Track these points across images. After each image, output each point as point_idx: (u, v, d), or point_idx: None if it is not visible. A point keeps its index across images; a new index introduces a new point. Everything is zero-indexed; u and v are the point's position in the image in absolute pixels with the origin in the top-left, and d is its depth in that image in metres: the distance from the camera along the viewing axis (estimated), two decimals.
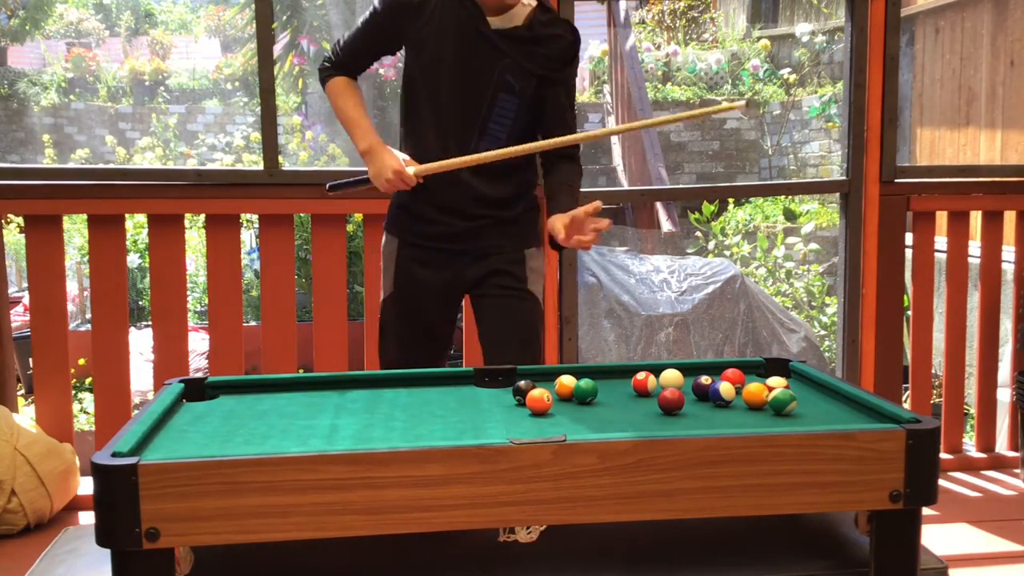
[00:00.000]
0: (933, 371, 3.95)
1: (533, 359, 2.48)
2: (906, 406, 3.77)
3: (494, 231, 2.49)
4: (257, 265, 4.71)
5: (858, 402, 1.86)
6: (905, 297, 3.96)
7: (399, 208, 2.55)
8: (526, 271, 2.52)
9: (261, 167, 3.24)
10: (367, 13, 2.46)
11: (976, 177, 3.82)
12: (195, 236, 6.10)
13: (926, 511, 1.67)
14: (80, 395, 5.05)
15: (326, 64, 2.54)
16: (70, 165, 9.00)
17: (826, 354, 5.53)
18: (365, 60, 2.55)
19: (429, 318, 2.55)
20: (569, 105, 2.49)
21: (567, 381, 2.01)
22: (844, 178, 3.57)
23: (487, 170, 2.39)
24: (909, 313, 3.88)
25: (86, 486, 3.23)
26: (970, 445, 3.74)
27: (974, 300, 3.75)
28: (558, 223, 2.31)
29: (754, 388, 1.86)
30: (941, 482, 3.37)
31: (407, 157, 2.40)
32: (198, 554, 1.63)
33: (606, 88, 9.74)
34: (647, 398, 2.03)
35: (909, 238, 3.59)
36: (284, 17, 9.94)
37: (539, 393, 1.89)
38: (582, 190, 3.35)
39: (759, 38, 10.49)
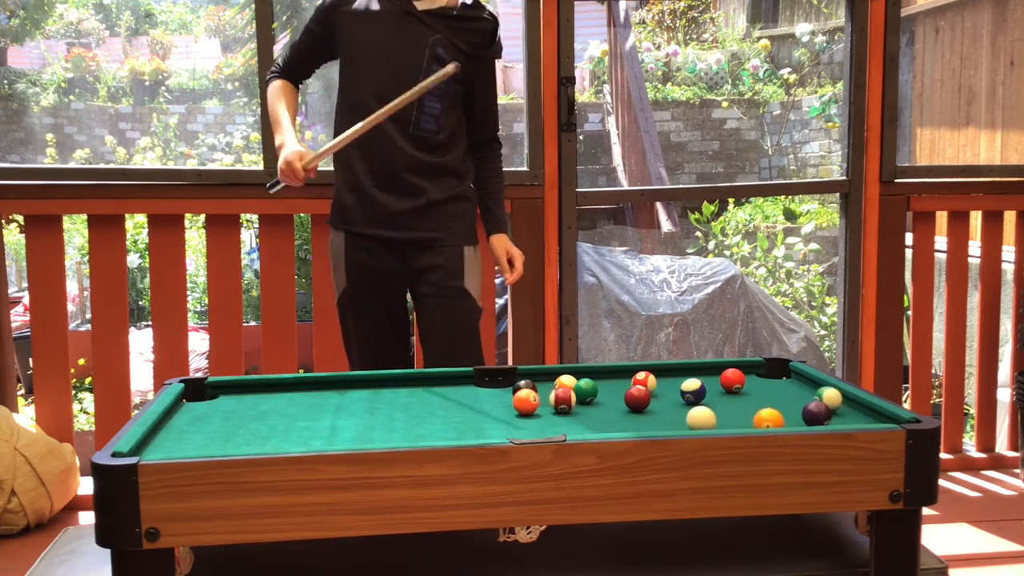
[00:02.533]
0: (933, 371, 3.95)
1: (471, 357, 2.61)
2: (906, 406, 3.77)
3: (433, 218, 2.61)
4: (257, 265, 4.71)
5: (858, 402, 1.86)
6: (905, 297, 3.95)
7: (338, 199, 2.66)
8: (464, 269, 2.66)
9: (261, 167, 3.23)
10: (308, 24, 2.67)
11: (976, 177, 3.82)
12: (195, 236, 6.09)
13: (926, 511, 1.67)
14: (80, 395, 5.05)
15: (271, 70, 2.75)
16: (70, 165, 9.01)
17: (826, 354, 5.53)
18: (304, 64, 2.73)
19: (388, 306, 2.67)
20: (493, 89, 2.72)
21: (567, 381, 2.01)
22: (844, 178, 3.57)
23: (420, 143, 2.57)
24: (909, 313, 3.88)
25: (86, 486, 3.23)
26: (970, 445, 3.74)
27: (974, 300, 3.75)
28: (502, 254, 2.69)
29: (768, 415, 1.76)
30: (941, 482, 3.37)
31: (302, 150, 2.52)
32: (198, 554, 1.63)
33: (606, 88, 9.74)
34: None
35: (909, 238, 3.59)
36: (284, 17, 9.93)
37: (525, 394, 1.88)
38: (581, 190, 3.37)
39: (759, 38, 10.49)
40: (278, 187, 2.59)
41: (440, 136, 2.60)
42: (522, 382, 1.95)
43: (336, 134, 2.59)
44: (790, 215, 7.42)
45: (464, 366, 2.34)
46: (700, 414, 1.75)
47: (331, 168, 2.80)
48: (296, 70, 2.73)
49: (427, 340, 2.66)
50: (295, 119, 2.68)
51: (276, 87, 2.70)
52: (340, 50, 2.63)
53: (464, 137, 2.69)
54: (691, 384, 1.97)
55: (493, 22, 2.66)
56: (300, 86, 2.78)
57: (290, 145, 2.53)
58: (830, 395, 1.92)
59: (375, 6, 2.58)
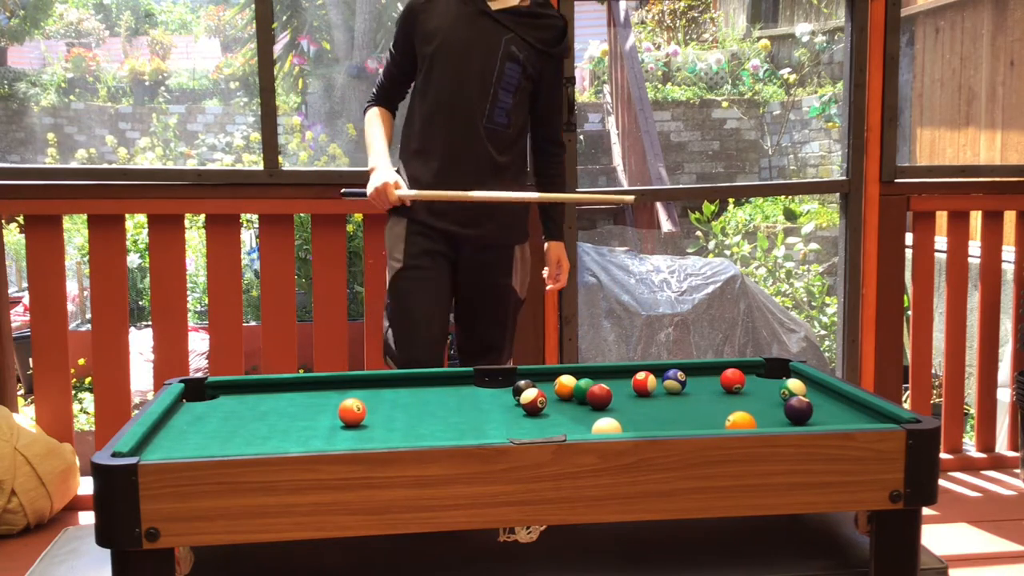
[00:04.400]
0: (933, 371, 3.95)
1: (508, 350, 2.78)
2: (906, 406, 3.77)
3: (495, 217, 2.69)
4: (257, 265, 4.71)
5: (858, 402, 1.86)
6: (905, 297, 3.95)
7: (418, 187, 2.68)
8: (512, 268, 2.76)
9: (261, 167, 3.24)
10: (392, 43, 2.77)
11: (976, 177, 3.82)
12: (195, 236, 6.09)
13: (926, 511, 1.67)
14: (80, 395, 5.05)
15: (367, 102, 2.84)
16: (70, 165, 9.00)
17: (826, 354, 5.53)
18: (395, 84, 2.80)
19: (440, 287, 2.70)
20: (559, 89, 2.81)
21: (567, 381, 2.01)
22: (844, 178, 3.57)
23: (491, 136, 2.65)
24: (909, 313, 3.88)
25: (86, 486, 3.23)
26: (970, 445, 3.74)
27: (974, 300, 3.75)
28: (554, 263, 2.81)
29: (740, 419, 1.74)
30: (941, 482, 3.37)
31: (399, 179, 2.64)
32: (198, 554, 1.63)
33: (606, 88, 9.73)
34: (647, 398, 2.03)
35: (909, 238, 3.59)
36: (284, 17, 9.93)
37: (351, 403, 1.84)
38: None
39: (759, 38, 10.48)
40: (354, 197, 2.70)
41: (510, 131, 2.68)
42: (522, 382, 1.95)
43: (410, 138, 2.71)
44: (790, 215, 7.42)
45: (499, 361, 2.46)
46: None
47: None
48: (389, 92, 2.82)
49: (468, 331, 2.78)
50: (390, 142, 2.78)
51: (372, 113, 2.80)
52: (419, 53, 2.68)
53: (526, 137, 2.78)
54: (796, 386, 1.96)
55: (562, 20, 2.76)
56: (395, 109, 2.86)
57: (384, 169, 2.65)
58: (796, 386, 1.93)
59: (451, 7, 2.65)
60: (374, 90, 2.83)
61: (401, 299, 2.68)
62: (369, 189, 2.63)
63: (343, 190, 2.76)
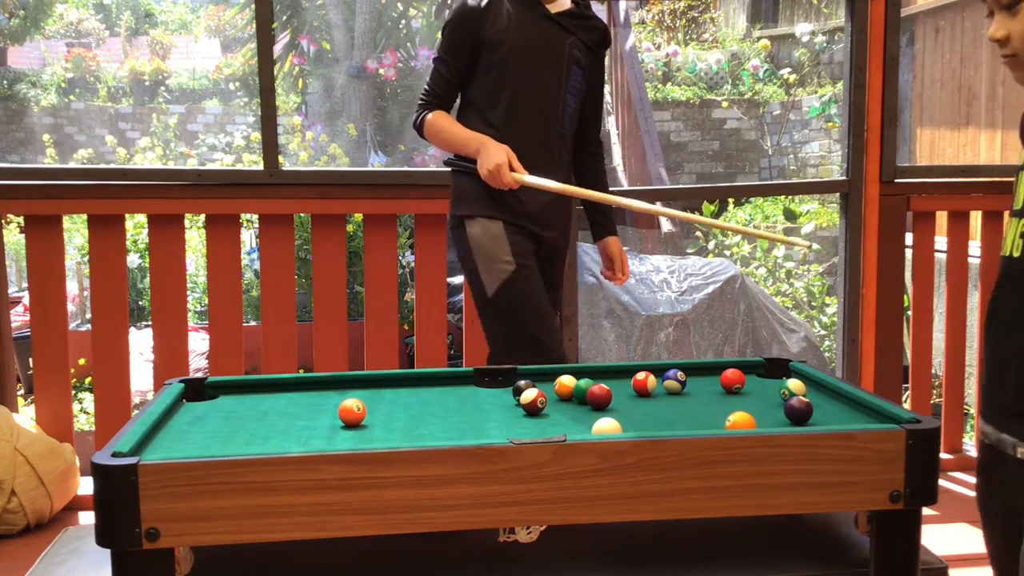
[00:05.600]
0: (933, 371, 3.95)
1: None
2: (906, 406, 3.77)
3: (565, 217, 2.76)
4: (257, 265, 4.71)
5: (858, 402, 1.86)
6: (905, 297, 3.95)
7: (485, 190, 2.62)
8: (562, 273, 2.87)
9: (261, 167, 3.24)
10: (439, 48, 2.67)
11: (976, 177, 3.82)
12: (195, 236, 6.09)
13: (926, 511, 1.67)
14: (80, 395, 5.05)
15: (419, 108, 2.71)
16: (70, 165, 9.00)
17: (826, 354, 5.53)
18: (452, 89, 2.71)
19: (543, 288, 2.70)
20: (603, 89, 2.84)
21: (567, 381, 2.01)
22: (844, 178, 3.57)
23: (561, 140, 2.68)
24: (909, 313, 3.88)
25: (86, 486, 3.23)
26: (970, 445, 3.73)
27: (974, 300, 3.75)
28: (616, 256, 2.84)
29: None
30: (941, 482, 3.36)
31: (511, 154, 2.55)
32: (198, 554, 1.63)
33: (606, 88, 9.73)
34: (647, 398, 2.03)
35: (909, 238, 3.58)
36: (284, 17, 9.93)
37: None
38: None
39: (759, 38, 10.48)
40: (461, 168, 2.65)
41: (572, 136, 2.72)
42: (522, 382, 1.95)
43: (469, 163, 2.64)
44: (790, 215, 7.42)
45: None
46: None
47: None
48: (444, 102, 2.71)
49: None
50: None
51: (436, 115, 2.68)
52: (484, 61, 2.62)
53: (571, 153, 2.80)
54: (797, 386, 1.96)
55: (601, 20, 2.79)
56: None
57: (497, 146, 2.54)
58: (796, 386, 1.93)
59: (512, 12, 2.60)
60: (423, 100, 2.71)
61: (528, 297, 2.63)
62: (487, 164, 2.52)
63: (447, 159, 2.70)
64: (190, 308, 5.52)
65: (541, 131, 2.63)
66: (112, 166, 5.38)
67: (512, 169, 2.53)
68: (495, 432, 1.77)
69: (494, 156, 2.52)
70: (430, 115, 2.68)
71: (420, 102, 2.72)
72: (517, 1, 2.61)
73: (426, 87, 2.70)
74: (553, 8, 2.64)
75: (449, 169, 2.73)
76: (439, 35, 2.79)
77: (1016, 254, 1.49)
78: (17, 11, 12.78)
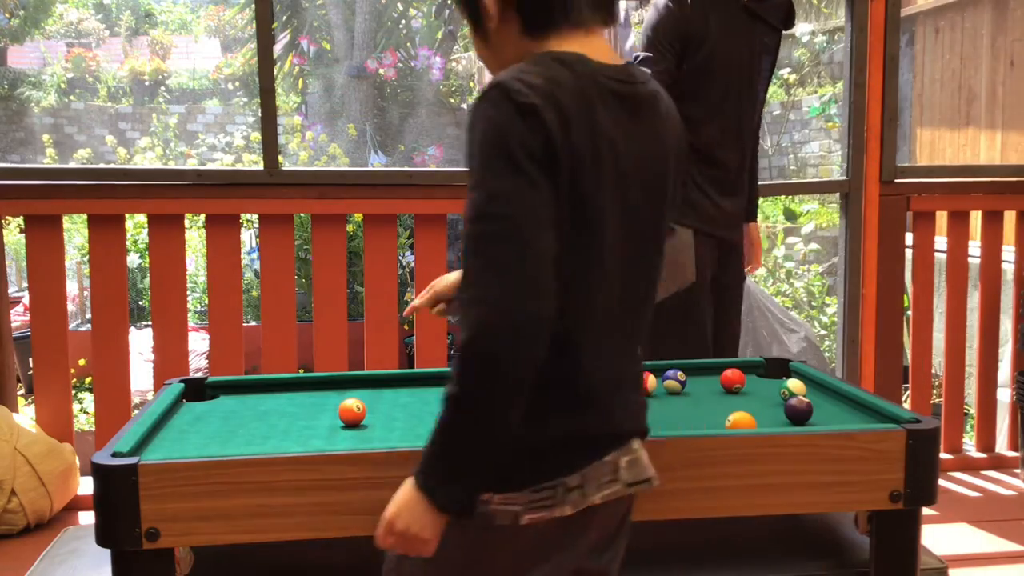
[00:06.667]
0: (933, 371, 3.95)
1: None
2: (906, 406, 3.77)
3: (741, 215, 2.73)
4: (257, 265, 4.71)
5: (858, 402, 1.86)
6: (905, 297, 3.95)
7: (699, 195, 2.62)
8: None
9: (261, 167, 3.23)
10: (643, 53, 2.57)
11: (976, 177, 3.82)
12: (195, 236, 6.09)
13: (926, 511, 1.67)
14: (80, 395, 5.05)
15: None
16: (70, 165, 9.00)
17: (826, 354, 5.53)
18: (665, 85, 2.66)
19: (710, 310, 2.71)
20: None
21: None
22: (844, 178, 3.56)
23: (754, 140, 2.70)
24: (909, 313, 3.88)
25: (86, 486, 3.23)
26: (970, 445, 3.73)
27: (974, 300, 3.75)
28: (757, 243, 2.87)
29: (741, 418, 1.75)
30: (941, 482, 3.37)
31: None
32: (198, 554, 1.63)
33: None
34: (647, 398, 2.03)
35: (909, 238, 3.58)
36: (284, 17, 9.93)
37: (351, 403, 1.85)
38: None
39: None
40: None
41: (756, 125, 2.71)
42: None
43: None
44: (790, 215, 7.41)
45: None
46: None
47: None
48: None
49: (723, 329, 2.80)
50: None
51: None
52: (686, 58, 2.57)
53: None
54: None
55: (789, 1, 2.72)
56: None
57: None
58: (796, 386, 1.93)
59: (714, 8, 2.56)
60: None
61: (694, 311, 2.64)
62: None
63: None
64: (190, 308, 5.53)
65: (736, 128, 2.61)
66: (112, 166, 5.37)
67: None
68: None
69: None
70: None
71: None
72: None
73: None
74: None
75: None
76: (641, 38, 2.69)
77: None
78: (17, 11, 12.78)
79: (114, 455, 1.51)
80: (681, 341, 2.60)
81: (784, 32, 2.74)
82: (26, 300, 5.44)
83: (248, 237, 6.34)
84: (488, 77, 1.24)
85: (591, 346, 1.25)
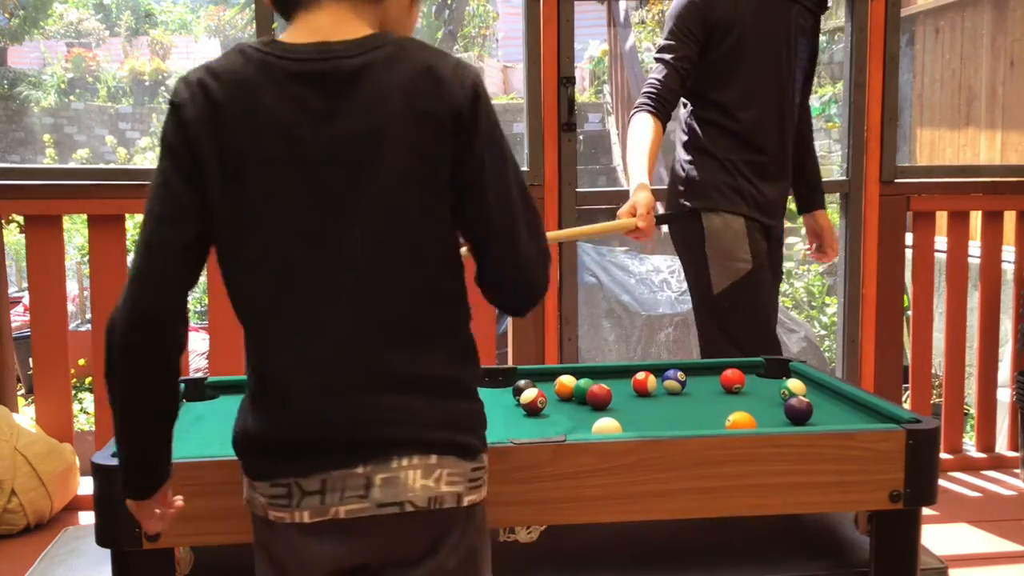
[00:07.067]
0: (933, 371, 3.95)
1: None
2: (906, 406, 3.77)
3: (783, 202, 2.67)
4: None
5: (858, 402, 1.86)
6: (905, 297, 3.95)
7: (726, 183, 2.54)
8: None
9: None
10: (664, 42, 2.53)
11: (976, 177, 3.81)
12: None
13: (926, 511, 1.67)
14: (80, 395, 5.05)
15: (637, 104, 2.53)
16: (70, 165, 8.99)
17: (826, 354, 5.53)
18: (682, 81, 2.52)
19: (773, 291, 2.64)
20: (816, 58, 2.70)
21: (567, 381, 2.01)
22: (844, 178, 3.56)
23: (794, 124, 2.60)
24: (909, 313, 3.88)
25: (86, 486, 3.23)
26: (970, 445, 3.73)
27: (974, 300, 3.75)
28: (825, 228, 2.80)
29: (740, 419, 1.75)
30: (941, 482, 3.36)
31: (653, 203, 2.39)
32: (198, 554, 1.63)
33: (606, 88, 9.74)
34: (647, 398, 2.03)
35: (909, 238, 3.58)
36: None
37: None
38: (581, 190, 3.37)
39: None
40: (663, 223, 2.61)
41: (797, 110, 2.62)
42: (522, 382, 1.95)
43: (705, 121, 2.55)
44: (790, 215, 7.41)
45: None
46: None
47: None
48: (670, 91, 2.51)
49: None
50: (653, 167, 2.48)
51: (640, 121, 2.51)
52: (712, 46, 2.50)
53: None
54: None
55: None
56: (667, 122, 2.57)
57: (649, 197, 2.37)
58: (796, 386, 1.93)
59: None
60: (644, 95, 2.52)
61: (759, 297, 2.56)
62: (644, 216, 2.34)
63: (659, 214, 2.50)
64: (190, 308, 5.53)
65: (775, 112, 2.55)
66: (112, 166, 5.37)
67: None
68: (495, 432, 1.76)
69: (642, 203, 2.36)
70: (638, 117, 2.52)
71: (640, 98, 2.54)
72: None
73: (649, 82, 2.54)
74: None
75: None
76: (665, 25, 2.62)
77: None
78: (17, 11, 12.79)
79: (114, 455, 1.51)
80: (745, 332, 2.52)
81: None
82: (26, 300, 5.44)
83: None
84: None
85: (274, 343, 1.22)
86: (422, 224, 1.19)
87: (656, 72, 2.52)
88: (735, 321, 2.53)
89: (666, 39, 2.53)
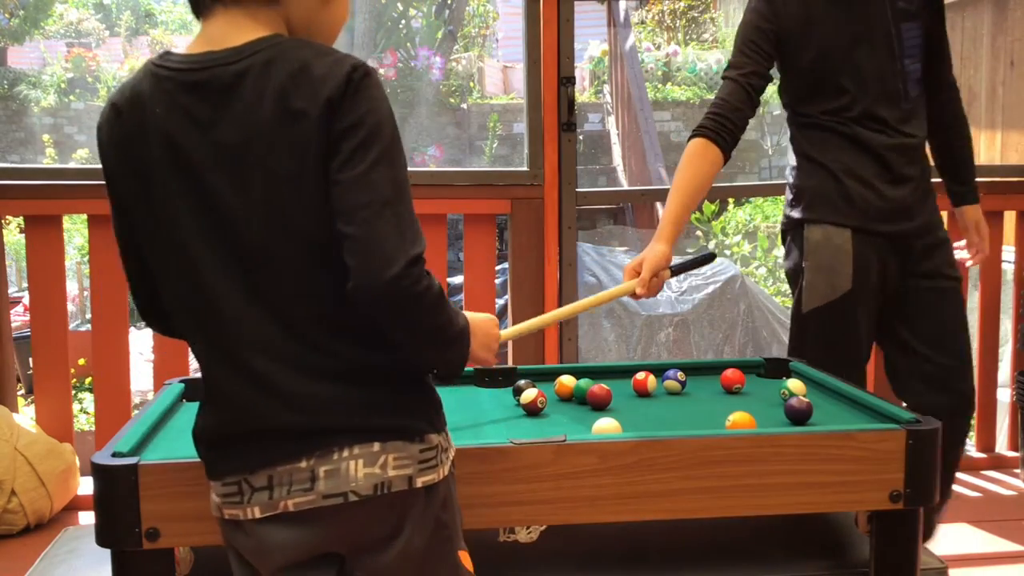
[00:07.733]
0: None
1: (967, 349, 2.38)
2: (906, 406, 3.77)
3: (930, 201, 2.38)
4: None
5: (858, 402, 1.86)
6: None
7: (831, 189, 2.32)
8: (953, 253, 2.42)
9: None
10: (732, 56, 2.33)
11: (976, 177, 3.81)
12: None
13: None
14: (80, 395, 5.05)
15: (702, 123, 2.29)
16: (70, 165, 9.00)
17: None
18: (750, 97, 2.28)
19: (870, 318, 2.36)
20: (944, 27, 2.47)
21: (567, 381, 2.01)
22: None
23: (908, 115, 2.31)
24: None
25: (86, 486, 3.23)
26: (970, 445, 3.73)
27: (974, 300, 3.75)
28: (974, 227, 2.51)
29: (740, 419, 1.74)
30: None
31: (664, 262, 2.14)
32: (198, 554, 1.63)
33: (606, 88, 9.74)
34: (647, 398, 2.03)
35: None
36: None
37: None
38: (581, 190, 3.37)
39: None
40: (700, 265, 2.35)
41: (920, 101, 2.36)
42: (522, 382, 1.95)
43: (800, 130, 2.37)
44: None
45: (962, 360, 2.31)
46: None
47: None
48: (734, 110, 2.26)
49: (920, 334, 2.37)
50: (689, 209, 2.24)
51: (694, 148, 2.26)
52: (787, 57, 2.32)
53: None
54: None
55: None
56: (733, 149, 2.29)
57: (663, 250, 2.12)
58: (796, 386, 1.93)
59: None
60: (713, 117, 2.26)
61: (845, 325, 2.32)
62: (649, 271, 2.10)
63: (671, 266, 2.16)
64: None
65: (886, 106, 2.28)
66: None
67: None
68: (495, 432, 1.76)
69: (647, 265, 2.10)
70: (694, 143, 2.27)
71: (702, 119, 2.30)
72: None
73: (714, 102, 2.29)
74: None
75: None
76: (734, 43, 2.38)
77: None
78: (17, 11, 12.79)
79: (114, 455, 1.51)
80: (829, 351, 2.30)
81: None
82: (26, 300, 5.44)
83: None
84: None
85: (203, 342, 1.28)
86: (313, 221, 1.20)
87: (721, 91, 2.29)
88: (816, 347, 2.33)
89: (732, 55, 2.33)
